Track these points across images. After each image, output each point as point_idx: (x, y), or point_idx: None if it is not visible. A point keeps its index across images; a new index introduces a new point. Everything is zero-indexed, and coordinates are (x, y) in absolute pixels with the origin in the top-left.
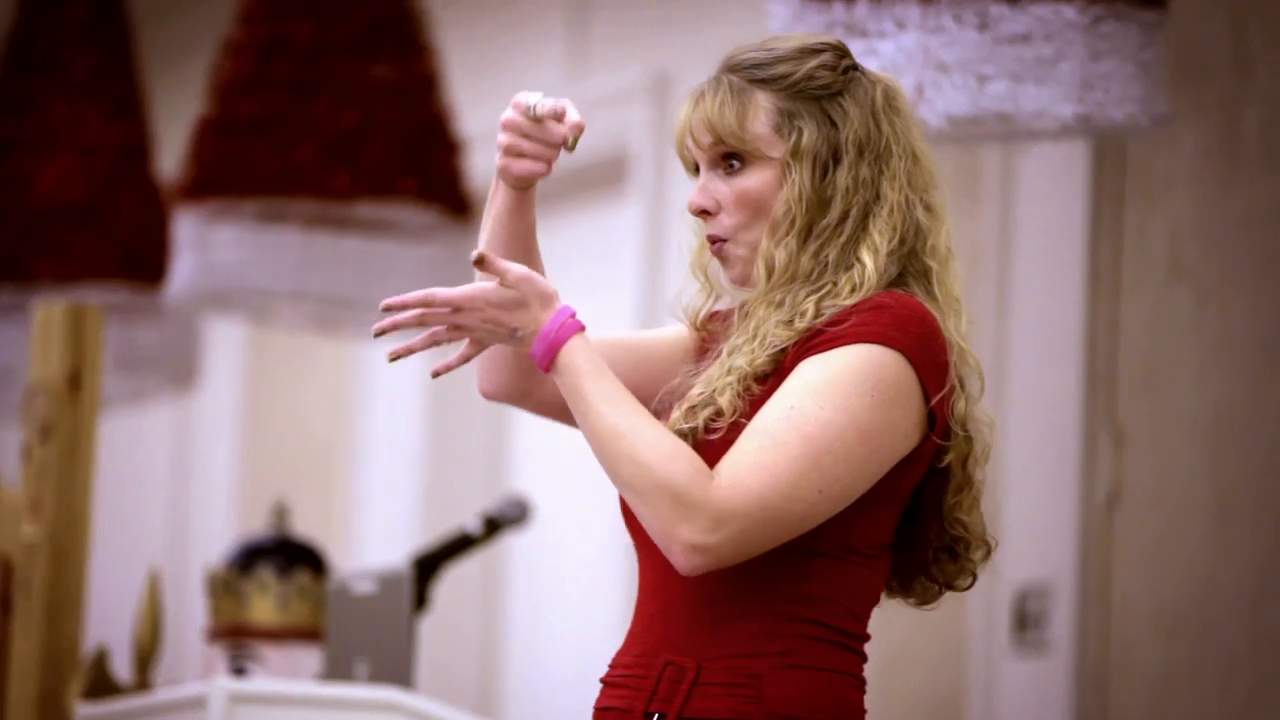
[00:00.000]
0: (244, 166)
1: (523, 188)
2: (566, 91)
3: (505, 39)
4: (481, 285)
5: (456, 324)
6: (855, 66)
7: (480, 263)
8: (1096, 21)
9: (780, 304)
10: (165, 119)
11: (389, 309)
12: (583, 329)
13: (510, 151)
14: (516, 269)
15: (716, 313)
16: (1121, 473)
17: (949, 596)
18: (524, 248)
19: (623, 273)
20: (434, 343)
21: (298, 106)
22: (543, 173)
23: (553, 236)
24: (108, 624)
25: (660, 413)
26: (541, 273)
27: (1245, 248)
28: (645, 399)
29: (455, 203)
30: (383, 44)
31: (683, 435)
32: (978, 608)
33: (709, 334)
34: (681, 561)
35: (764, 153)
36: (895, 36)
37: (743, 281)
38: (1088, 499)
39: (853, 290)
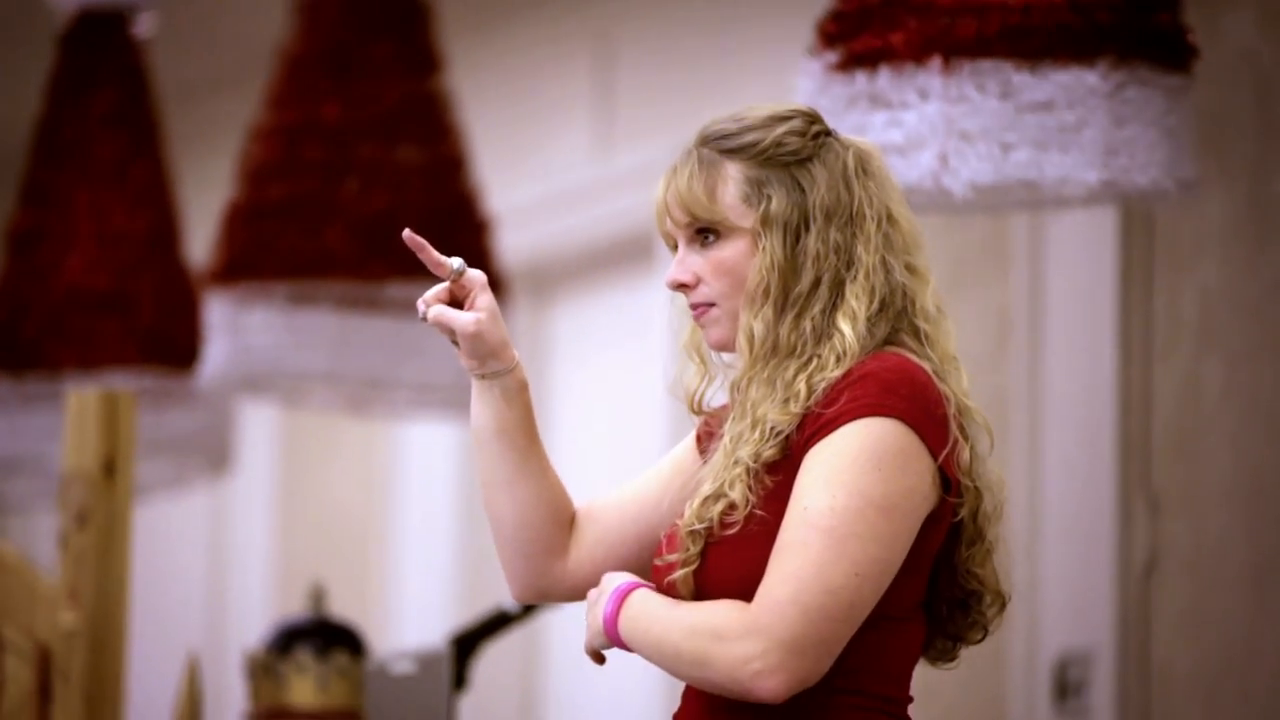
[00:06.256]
0: (274, 250)
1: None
2: (592, 169)
3: (530, 118)
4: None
5: None
6: (827, 132)
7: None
8: (1119, 88)
9: (771, 383)
10: (193, 204)
11: None
12: (622, 604)
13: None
14: (591, 590)
15: (718, 408)
16: (1158, 539)
17: (990, 666)
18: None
19: (651, 349)
20: None
21: (327, 189)
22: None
23: (580, 314)
24: (148, 710)
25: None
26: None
27: (1276, 313)
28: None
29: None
30: (410, 126)
31: (697, 534)
32: (1019, 676)
33: (711, 425)
34: (762, 692)
35: (735, 224)
36: (918, 107)
37: (721, 346)
38: (1125, 566)
39: (837, 360)
